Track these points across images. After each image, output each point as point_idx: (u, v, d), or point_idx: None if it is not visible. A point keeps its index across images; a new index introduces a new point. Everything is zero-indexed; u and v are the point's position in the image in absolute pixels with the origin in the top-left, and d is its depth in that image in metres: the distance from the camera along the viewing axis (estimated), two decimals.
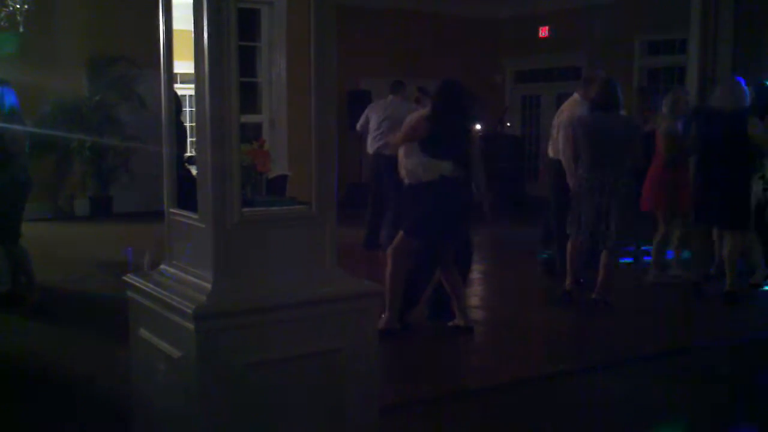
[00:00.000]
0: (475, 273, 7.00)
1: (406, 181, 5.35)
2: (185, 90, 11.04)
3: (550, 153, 6.88)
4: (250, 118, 10.06)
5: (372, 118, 8.47)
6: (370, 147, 8.44)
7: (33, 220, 9.73)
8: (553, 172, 6.79)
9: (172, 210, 2.91)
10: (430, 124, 5.20)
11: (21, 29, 8.74)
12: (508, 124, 13.87)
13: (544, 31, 13.46)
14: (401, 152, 5.41)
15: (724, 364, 5.04)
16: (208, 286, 2.59)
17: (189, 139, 7.12)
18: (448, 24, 13.35)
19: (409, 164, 5.30)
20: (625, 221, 5.86)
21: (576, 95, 6.59)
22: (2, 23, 8.61)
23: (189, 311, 2.51)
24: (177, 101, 4.21)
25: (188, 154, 5.36)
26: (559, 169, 6.50)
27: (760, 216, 6.72)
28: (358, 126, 8.80)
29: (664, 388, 4.53)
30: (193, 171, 2.78)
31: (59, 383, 4.49)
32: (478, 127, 9.93)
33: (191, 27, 2.62)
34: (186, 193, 2.86)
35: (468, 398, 4.36)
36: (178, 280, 2.77)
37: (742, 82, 6.28)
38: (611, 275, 6.04)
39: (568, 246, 6.16)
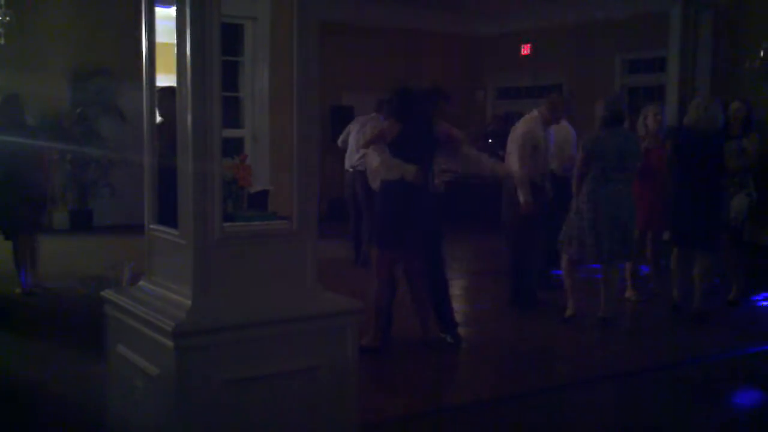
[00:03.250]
0: (456, 288, 6.97)
1: (375, 187, 5.37)
2: None
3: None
4: (232, 133, 10.03)
5: (351, 133, 8.51)
6: (347, 162, 8.47)
7: None
8: (507, 192, 6.49)
9: (152, 226, 2.89)
10: (398, 126, 5.19)
11: (2, 41, 8.68)
12: (490, 140, 13.92)
13: (526, 49, 13.56)
14: (371, 161, 5.45)
15: (699, 381, 5.06)
16: (188, 302, 2.57)
17: None
18: (430, 40, 13.42)
19: (373, 166, 5.39)
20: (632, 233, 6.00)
21: (535, 112, 6.49)
22: None
23: (168, 328, 2.49)
24: None
25: None
26: (512, 188, 6.33)
27: (739, 234, 6.78)
28: (339, 141, 8.83)
29: (642, 404, 4.54)
30: None
31: (32, 400, 4.41)
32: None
33: (174, 40, 2.61)
34: (168, 206, 2.84)
35: (446, 415, 4.33)
36: (157, 296, 2.74)
37: (717, 101, 6.35)
38: (615, 291, 6.12)
39: (565, 265, 6.12)
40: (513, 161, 6.26)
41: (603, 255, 5.90)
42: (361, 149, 6.88)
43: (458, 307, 6.27)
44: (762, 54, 9.59)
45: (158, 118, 3.30)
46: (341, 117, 12.16)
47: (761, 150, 6.88)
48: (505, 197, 6.54)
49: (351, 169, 8.38)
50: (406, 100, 5.21)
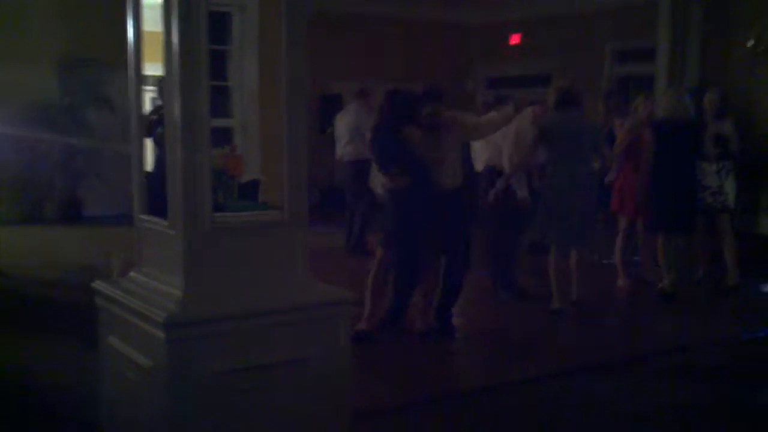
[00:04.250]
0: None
1: (380, 191, 5.39)
2: (154, 93, 10.95)
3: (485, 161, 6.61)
4: (220, 122, 9.97)
5: (341, 123, 8.55)
6: (338, 152, 8.54)
7: None
8: (486, 184, 6.48)
9: (141, 216, 2.87)
10: (373, 135, 5.25)
11: None
12: None
13: (515, 39, 13.54)
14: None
15: (696, 367, 5.09)
16: (179, 293, 2.56)
17: None
18: (419, 29, 13.38)
19: (378, 175, 5.42)
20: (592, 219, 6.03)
21: (530, 109, 6.53)
22: None
23: (159, 320, 2.48)
24: None
25: None
26: (493, 179, 6.34)
27: (733, 218, 6.91)
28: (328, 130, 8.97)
29: (638, 391, 4.57)
30: None
31: (24, 391, 4.40)
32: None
33: (161, 29, 2.59)
34: (157, 196, 2.82)
35: (441, 404, 4.35)
36: (148, 287, 2.73)
37: (686, 91, 6.46)
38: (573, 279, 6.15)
39: (552, 257, 6.08)
40: (506, 157, 6.27)
41: (557, 240, 5.94)
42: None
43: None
44: (751, 43, 9.63)
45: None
46: (330, 105, 12.14)
47: (742, 136, 7.05)
48: (482, 186, 6.54)
49: (339, 159, 8.44)
50: (396, 106, 5.17)
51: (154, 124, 5.45)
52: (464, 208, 5.42)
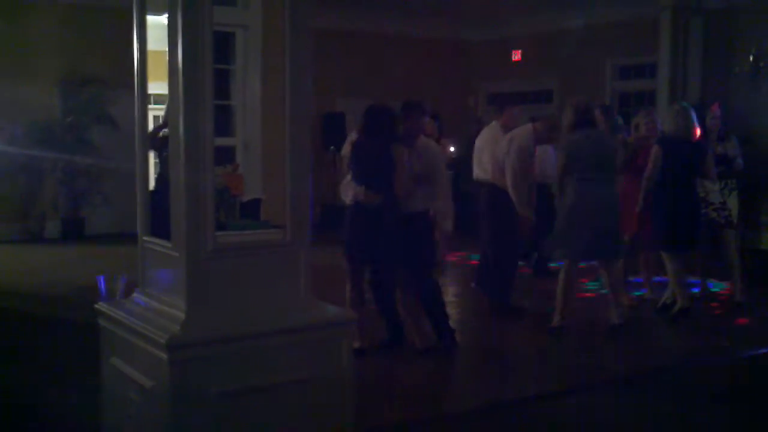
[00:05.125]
0: (448, 296, 6.94)
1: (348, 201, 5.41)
2: (159, 111, 10.97)
3: (482, 176, 6.64)
4: (223, 141, 10.00)
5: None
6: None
7: (1, 242, 9.63)
8: (488, 197, 6.50)
9: (145, 238, 2.87)
10: (350, 147, 5.29)
11: None
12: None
13: (516, 55, 13.59)
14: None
15: (703, 384, 5.05)
16: (182, 315, 2.55)
17: None
18: (421, 46, 13.42)
19: (340, 187, 5.48)
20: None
21: (530, 126, 6.53)
22: None
23: (162, 341, 2.47)
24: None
25: None
26: (495, 194, 6.35)
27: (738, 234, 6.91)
28: (343, 152, 8.87)
29: (638, 410, 4.53)
30: None
31: (26, 411, 4.37)
32: (451, 149, 9.89)
33: (165, 48, 2.59)
34: (160, 215, 2.81)
35: (442, 423, 4.31)
36: (151, 308, 2.72)
37: (691, 109, 6.43)
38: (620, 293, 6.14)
39: (562, 274, 6.01)
40: (508, 175, 6.25)
41: (578, 256, 5.92)
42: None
43: (453, 313, 6.23)
44: (751, 59, 9.65)
45: (165, 130, 3.28)
46: (334, 124, 12.16)
47: (744, 153, 7.07)
48: (483, 203, 6.53)
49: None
50: (369, 117, 5.22)
51: (160, 140, 5.48)
52: (425, 235, 5.39)
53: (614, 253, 6.09)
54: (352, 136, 7.30)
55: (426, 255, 5.44)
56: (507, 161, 6.24)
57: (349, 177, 5.40)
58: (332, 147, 12.15)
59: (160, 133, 5.96)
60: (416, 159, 5.31)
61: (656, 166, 6.28)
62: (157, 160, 6.42)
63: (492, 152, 6.51)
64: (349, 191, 5.32)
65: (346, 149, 5.80)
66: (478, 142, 6.86)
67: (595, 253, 6.00)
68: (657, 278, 7.05)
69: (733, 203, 6.83)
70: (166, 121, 4.13)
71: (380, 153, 5.12)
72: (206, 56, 2.53)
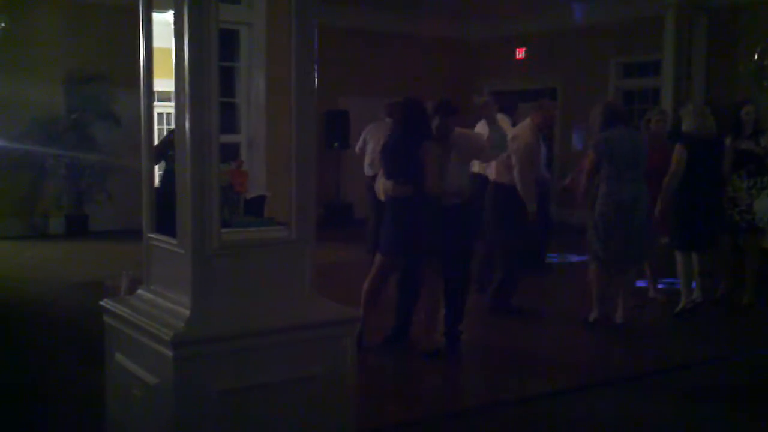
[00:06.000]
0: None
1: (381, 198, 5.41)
2: (163, 108, 10.98)
3: (492, 176, 6.62)
4: (227, 138, 10.00)
5: (370, 140, 8.49)
6: (368, 169, 8.43)
7: (5, 238, 9.64)
8: (493, 195, 6.55)
9: (150, 235, 2.87)
10: (385, 142, 5.35)
11: None
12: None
13: (520, 53, 13.57)
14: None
15: (711, 382, 5.05)
16: (186, 312, 2.55)
17: None
18: (425, 44, 13.41)
19: (377, 183, 5.49)
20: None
21: (528, 120, 6.50)
22: None
23: (167, 338, 2.47)
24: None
25: None
26: (503, 191, 6.39)
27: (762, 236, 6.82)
28: (357, 148, 8.91)
29: (642, 410, 4.53)
30: None
31: (29, 407, 4.38)
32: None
33: (169, 45, 2.59)
34: (165, 212, 2.81)
35: (443, 422, 4.32)
36: (155, 305, 2.72)
37: (708, 107, 6.43)
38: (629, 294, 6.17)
39: (593, 272, 6.06)
40: (517, 172, 6.24)
41: (616, 257, 5.91)
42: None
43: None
44: (756, 57, 9.62)
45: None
46: (337, 121, 12.17)
47: None
48: (489, 202, 6.53)
49: (370, 175, 8.34)
50: (406, 113, 5.25)
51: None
52: (466, 226, 5.39)
53: (643, 257, 6.09)
54: (371, 130, 7.34)
55: (467, 243, 5.45)
56: (514, 159, 6.23)
57: (381, 173, 5.44)
58: (335, 143, 12.17)
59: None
60: (456, 151, 5.31)
61: (681, 166, 6.21)
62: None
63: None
64: (380, 187, 5.36)
65: (378, 144, 5.99)
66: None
67: (626, 262, 6.00)
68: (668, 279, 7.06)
69: (759, 206, 6.60)
70: (172, 132, 4.12)
71: (414, 149, 5.13)
72: (212, 54, 2.53)
